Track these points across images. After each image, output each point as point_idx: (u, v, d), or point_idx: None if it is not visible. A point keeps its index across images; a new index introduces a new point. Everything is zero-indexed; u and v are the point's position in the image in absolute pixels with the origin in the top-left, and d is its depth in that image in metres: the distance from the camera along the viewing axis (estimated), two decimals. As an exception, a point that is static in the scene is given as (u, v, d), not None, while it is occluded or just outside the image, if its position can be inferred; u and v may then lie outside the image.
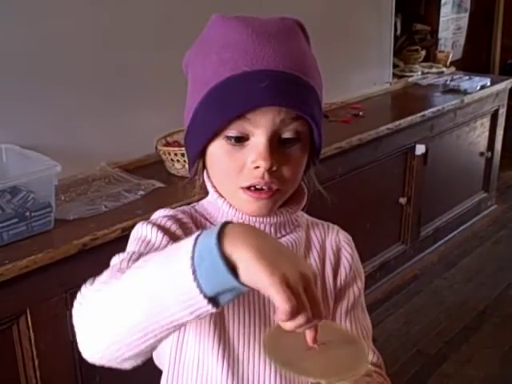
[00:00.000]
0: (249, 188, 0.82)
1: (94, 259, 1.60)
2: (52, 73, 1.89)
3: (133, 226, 1.64)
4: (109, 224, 1.65)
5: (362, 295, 0.95)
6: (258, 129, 0.79)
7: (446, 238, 3.35)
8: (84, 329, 0.70)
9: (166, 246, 0.79)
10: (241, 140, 0.80)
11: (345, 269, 0.93)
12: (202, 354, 0.84)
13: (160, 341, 0.67)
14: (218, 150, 0.82)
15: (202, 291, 0.60)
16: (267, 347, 0.71)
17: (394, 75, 3.36)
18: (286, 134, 0.81)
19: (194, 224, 0.88)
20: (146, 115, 2.14)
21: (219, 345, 0.83)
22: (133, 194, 1.83)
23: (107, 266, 0.89)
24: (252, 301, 0.86)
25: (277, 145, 0.80)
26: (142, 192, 1.84)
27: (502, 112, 3.52)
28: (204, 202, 0.92)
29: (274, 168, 0.80)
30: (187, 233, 0.85)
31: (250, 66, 0.78)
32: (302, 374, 0.70)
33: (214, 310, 0.61)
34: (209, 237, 0.61)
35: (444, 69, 3.61)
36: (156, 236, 0.83)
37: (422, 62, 3.63)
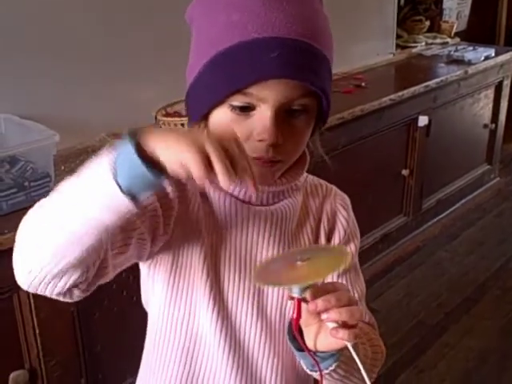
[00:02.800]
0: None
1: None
2: (51, 43, 1.86)
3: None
4: (108, 194, 1.64)
5: (355, 257, 0.95)
6: (266, 102, 0.76)
7: (449, 211, 3.34)
8: (22, 246, 0.69)
9: None
10: (246, 110, 0.77)
11: (339, 233, 0.93)
12: (193, 309, 0.84)
13: (94, 248, 0.67)
14: (222, 117, 0.79)
15: (119, 185, 0.62)
16: (256, 274, 0.76)
17: (398, 46, 3.32)
18: (295, 107, 0.78)
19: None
20: (145, 85, 2.12)
21: (213, 301, 0.84)
22: (133, 164, 1.82)
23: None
24: (248, 260, 0.86)
25: (283, 115, 0.78)
26: (142, 162, 1.83)
27: (507, 83, 3.48)
28: None
29: (279, 142, 0.77)
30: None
31: (260, 33, 0.74)
32: (286, 284, 0.73)
33: (132, 207, 0.63)
34: (125, 143, 0.62)
35: (448, 39, 3.56)
36: None
37: (426, 32, 3.58)
